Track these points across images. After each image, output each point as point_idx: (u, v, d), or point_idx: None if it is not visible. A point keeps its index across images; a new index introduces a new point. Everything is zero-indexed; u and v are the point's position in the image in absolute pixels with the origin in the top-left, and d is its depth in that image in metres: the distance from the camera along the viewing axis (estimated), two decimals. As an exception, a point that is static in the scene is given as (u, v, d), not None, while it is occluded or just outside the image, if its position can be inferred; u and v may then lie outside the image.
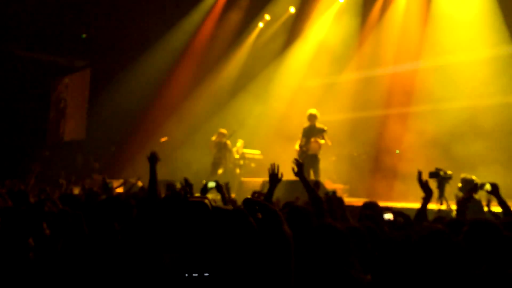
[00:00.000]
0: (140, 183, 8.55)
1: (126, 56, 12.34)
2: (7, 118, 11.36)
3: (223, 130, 10.42)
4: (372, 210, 3.91)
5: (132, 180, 8.50)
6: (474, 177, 5.87)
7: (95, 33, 12.22)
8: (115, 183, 7.41)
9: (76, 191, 6.81)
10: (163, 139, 11.22)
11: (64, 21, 11.40)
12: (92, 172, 10.96)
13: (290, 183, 7.74)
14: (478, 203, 5.34)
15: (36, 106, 12.15)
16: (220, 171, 10.44)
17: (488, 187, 4.11)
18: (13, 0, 10.46)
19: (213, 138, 10.41)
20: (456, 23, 9.82)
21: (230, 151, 10.64)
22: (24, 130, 11.60)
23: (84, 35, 12.27)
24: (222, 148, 10.31)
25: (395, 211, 3.68)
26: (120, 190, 7.24)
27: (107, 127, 11.78)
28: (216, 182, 4.30)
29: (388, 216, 2.80)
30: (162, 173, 11.30)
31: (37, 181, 5.71)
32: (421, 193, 3.69)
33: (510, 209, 3.74)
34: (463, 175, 5.94)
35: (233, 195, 9.73)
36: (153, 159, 3.98)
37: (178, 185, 9.38)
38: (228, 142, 10.53)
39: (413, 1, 10.86)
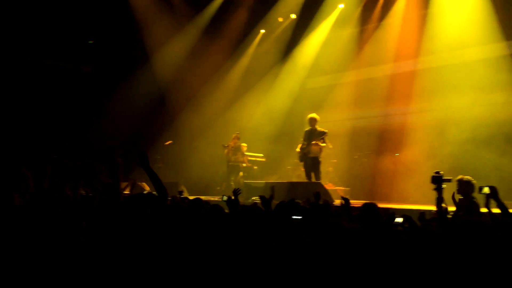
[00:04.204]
0: (147, 187, 8.74)
1: (132, 61, 12.53)
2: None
3: (237, 134, 10.66)
4: (371, 211, 4.07)
5: (139, 183, 8.69)
6: (471, 178, 5.91)
7: (100, 39, 12.41)
8: (122, 185, 7.57)
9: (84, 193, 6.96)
10: (168, 143, 11.41)
11: (69, 27, 11.61)
12: (100, 174, 11.15)
13: (291, 185, 7.94)
14: (475, 205, 5.46)
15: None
16: (241, 173, 10.67)
17: (486, 190, 4.15)
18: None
19: (231, 143, 10.61)
20: (454, 23, 9.92)
21: (243, 154, 10.87)
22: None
23: (91, 41, 12.44)
24: (236, 151, 10.56)
25: (403, 215, 3.75)
26: (127, 191, 7.40)
27: (113, 131, 11.97)
28: (228, 197, 4.47)
29: (399, 219, 2.93)
30: (171, 175, 11.35)
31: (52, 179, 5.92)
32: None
33: (508, 211, 3.81)
34: (459, 177, 5.99)
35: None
36: (143, 160, 3.59)
37: (182, 187, 9.61)
38: (242, 144, 10.79)
39: (411, 3, 11.01)
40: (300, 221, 3.22)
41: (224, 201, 4.46)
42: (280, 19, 12.68)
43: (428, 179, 4.81)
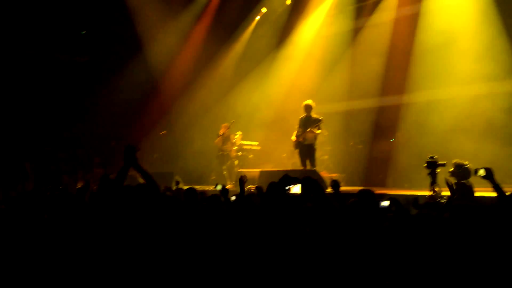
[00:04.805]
0: (140, 178, 8.70)
1: (124, 50, 12.41)
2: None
3: (227, 124, 10.61)
4: (366, 197, 4.07)
5: (130, 174, 8.65)
6: (466, 162, 5.91)
7: (93, 29, 12.28)
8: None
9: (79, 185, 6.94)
10: (162, 133, 11.36)
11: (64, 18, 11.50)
12: (93, 166, 11.13)
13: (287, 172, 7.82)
14: (469, 188, 5.47)
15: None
16: (228, 162, 10.64)
17: (482, 172, 4.06)
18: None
19: (220, 132, 10.58)
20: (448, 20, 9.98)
21: (233, 143, 10.85)
22: None
23: (84, 32, 12.31)
24: (226, 141, 10.52)
25: (389, 198, 3.75)
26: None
27: (107, 121, 11.91)
28: (223, 186, 4.45)
29: (385, 203, 2.91)
30: (166, 165, 11.38)
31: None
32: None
33: (504, 194, 3.75)
34: (455, 160, 5.98)
35: (231, 186, 9.94)
36: (130, 154, 3.47)
37: (178, 178, 9.59)
38: (232, 135, 10.75)
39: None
40: (299, 196, 3.18)
41: (218, 190, 4.45)
42: (275, 5, 12.56)
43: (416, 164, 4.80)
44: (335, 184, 3.82)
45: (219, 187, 4.49)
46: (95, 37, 12.45)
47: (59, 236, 2.96)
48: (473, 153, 7.34)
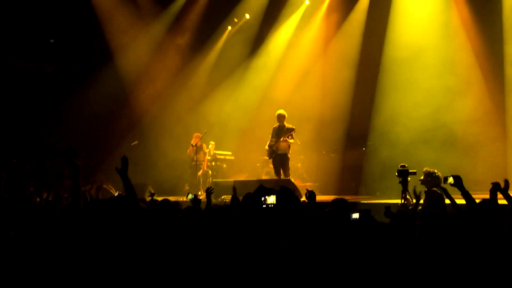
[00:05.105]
0: (113, 189, 8.54)
1: (95, 60, 12.20)
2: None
3: (198, 134, 10.52)
4: (338, 207, 4.10)
5: (105, 186, 8.47)
6: (436, 170, 6.04)
7: (63, 37, 12.04)
8: (87, 187, 7.37)
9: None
10: (134, 143, 11.18)
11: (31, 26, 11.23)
12: (63, 177, 10.82)
13: (261, 182, 7.85)
14: (440, 195, 5.59)
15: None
16: (199, 173, 10.54)
17: (451, 180, 4.16)
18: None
19: (192, 142, 10.48)
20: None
21: (205, 153, 10.77)
22: None
23: (52, 40, 12.05)
24: (199, 150, 10.41)
25: (360, 210, 3.75)
26: (93, 193, 7.19)
27: (77, 132, 11.63)
28: (194, 195, 4.42)
29: (355, 215, 2.92)
30: (138, 176, 11.33)
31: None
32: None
33: (473, 200, 3.82)
34: (425, 169, 6.11)
35: (204, 196, 9.85)
36: (124, 168, 3.58)
37: (151, 189, 9.44)
38: (204, 144, 10.66)
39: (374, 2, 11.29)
40: (274, 206, 3.17)
41: (190, 200, 4.40)
42: (247, 16, 12.63)
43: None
44: (311, 194, 3.83)
45: (190, 197, 4.45)
46: (64, 46, 12.19)
47: (27, 252, 2.86)
48: (435, 162, 7.56)
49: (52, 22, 11.61)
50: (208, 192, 4.34)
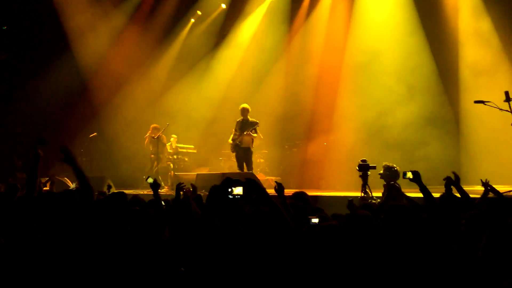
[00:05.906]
0: (69, 182, 8.26)
1: (50, 49, 11.69)
2: None
3: (156, 125, 10.28)
4: (300, 200, 4.15)
5: (59, 178, 8.18)
6: (395, 165, 6.21)
7: (17, 25, 11.47)
8: (42, 180, 7.08)
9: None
10: (92, 135, 10.84)
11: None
12: (15, 170, 10.37)
13: (223, 176, 7.78)
14: (398, 189, 5.74)
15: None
16: (159, 165, 10.32)
17: (410, 175, 4.30)
18: None
19: (147, 134, 10.24)
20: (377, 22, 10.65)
21: (165, 145, 10.54)
22: None
23: (4, 27, 11.46)
24: (157, 143, 10.17)
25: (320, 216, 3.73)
26: (46, 188, 6.93)
27: (31, 123, 11.15)
28: (154, 179, 4.32)
29: (315, 220, 2.93)
30: (97, 169, 11.04)
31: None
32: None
33: (431, 195, 3.97)
34: (385, 163, 6.26)
35: (166, 190, 9.70)
36: (68, 155, 3.37)
37: (109, 182, 9.19)
38: (163, 136, 10.41)
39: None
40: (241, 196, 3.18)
41: (149, 183, 4.31)
42: (223, 6, 12.47)
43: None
44: (280, 187, 3.87)
45: (150, 180, 4.35)
46: (17, 34, 11.62)
47: None
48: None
49: (4, 8, 11.05)
50: (179, 188, 4.26)
